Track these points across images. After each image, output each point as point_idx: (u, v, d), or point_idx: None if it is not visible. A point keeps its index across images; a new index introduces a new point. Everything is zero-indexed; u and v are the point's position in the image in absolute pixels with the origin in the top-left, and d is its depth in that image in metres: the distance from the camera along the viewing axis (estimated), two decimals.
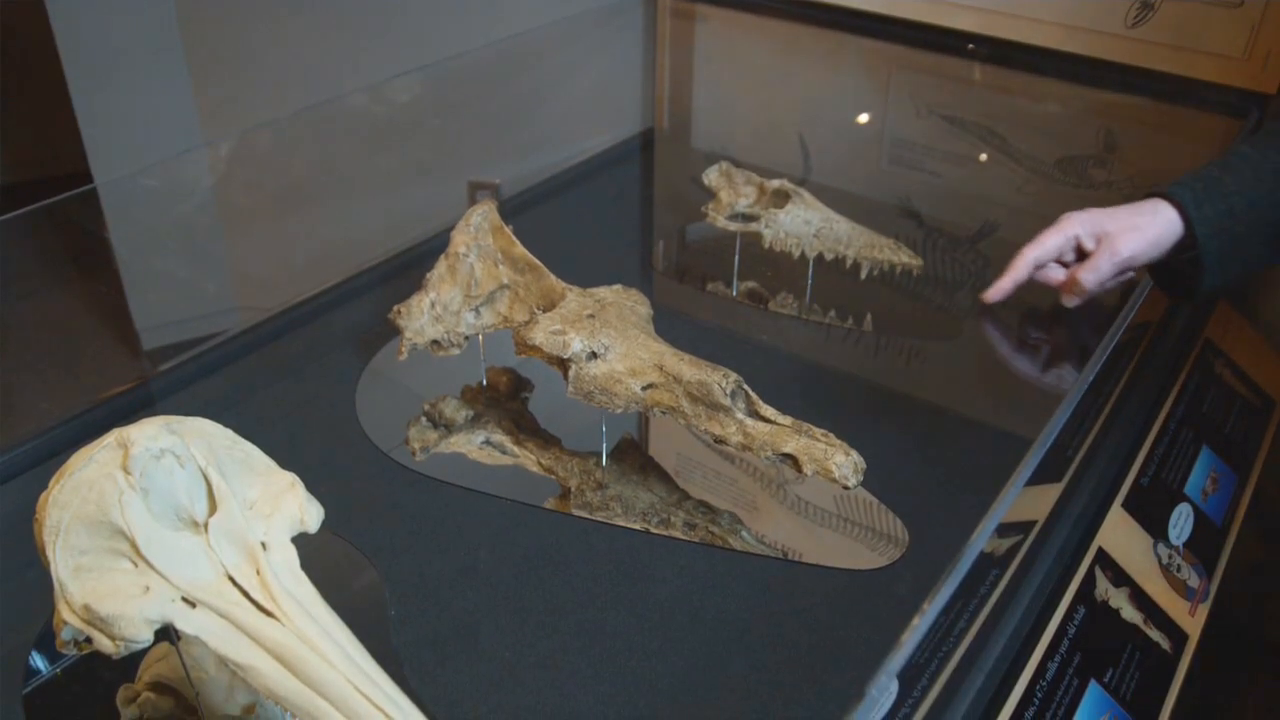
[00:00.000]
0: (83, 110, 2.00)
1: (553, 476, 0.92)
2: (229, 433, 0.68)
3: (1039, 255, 1.02)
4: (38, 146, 2.86)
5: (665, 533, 0.86)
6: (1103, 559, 0.87)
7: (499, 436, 0.97)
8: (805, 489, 0.92)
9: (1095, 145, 1.40)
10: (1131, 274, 1.01)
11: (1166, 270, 1.01)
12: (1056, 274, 1.03)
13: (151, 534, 0.61)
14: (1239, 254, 0.97)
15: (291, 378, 1.10)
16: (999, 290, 1.03)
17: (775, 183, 1.20)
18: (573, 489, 0.91)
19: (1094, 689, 0.78)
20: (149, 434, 0.63)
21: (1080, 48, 1.39)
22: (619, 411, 0.88)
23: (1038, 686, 0.75)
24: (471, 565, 0.84)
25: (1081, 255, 1.01)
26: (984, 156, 1.45)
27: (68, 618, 0.60)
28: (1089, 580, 0.84)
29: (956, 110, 1.53)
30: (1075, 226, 1.01)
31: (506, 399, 1.02)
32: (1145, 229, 0.97)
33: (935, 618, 0.61)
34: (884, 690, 0.58)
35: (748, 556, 0.85)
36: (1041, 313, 1.12)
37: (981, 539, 0.65)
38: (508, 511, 0.89)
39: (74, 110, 2.01)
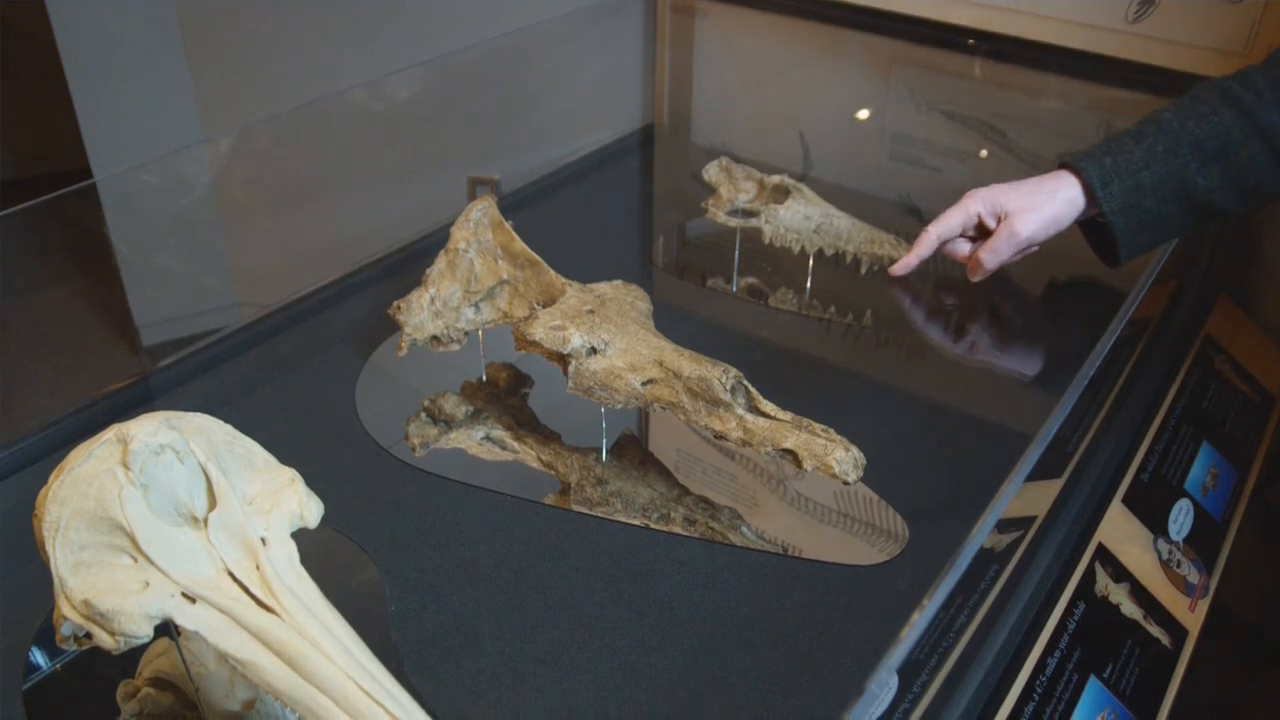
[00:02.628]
0: (82, 106, 2.01)
1: (552, 472, 0.92)
2: (229, 428, 0.68)
3: (942, 232, 1.05)
4: (37, 142, 2.87)
5: (665, 528, 0.86)
6: (1103, 554, 0.87)
7: (499, 432, 0.97)
8: (805, 485, 0.92)
9: (1096, 141, 1.40)
10: (1035, 248, 1.03)
11: (1096, 229, 1.02)
12: (961, 248, 1.06)
13: (151, 529, 0.61)
14: (1151, 227, 0.98)
15: (291, 374, 1.10)
16: (904, 265, 1.08)
17: (775, 178, 1.20)
18: (573, 485, 0.91)
19: (1094, 685, 0.78)
20: (149, 429, 0.63)
21: (1081, 43, 1.38)
22: (619, 407, 0.87)
23: (1038, 682, 0.75)
24: (471, 561, 0.84)
25: (985, 231, 1.04)
26: (984, 152, 1.45)
27: (67, 613, 0.60)
28: (1089, 576, 0.84)
29: (957, 105, 1.52)
30: (976, 204, 1.03)
31: (506, 395, 1.02)
32: (1043, 208, 0.99)
33: (935, 613, 0.61)
34: (884, 686, 0.58)
35: (748, 552, 0.85)
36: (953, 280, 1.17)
37: (981, 534, 0.65)
38: (508, 507, 0.89)
39: (73, 106, 2.01)
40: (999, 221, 1.02)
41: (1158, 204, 0.96)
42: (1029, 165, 1.38)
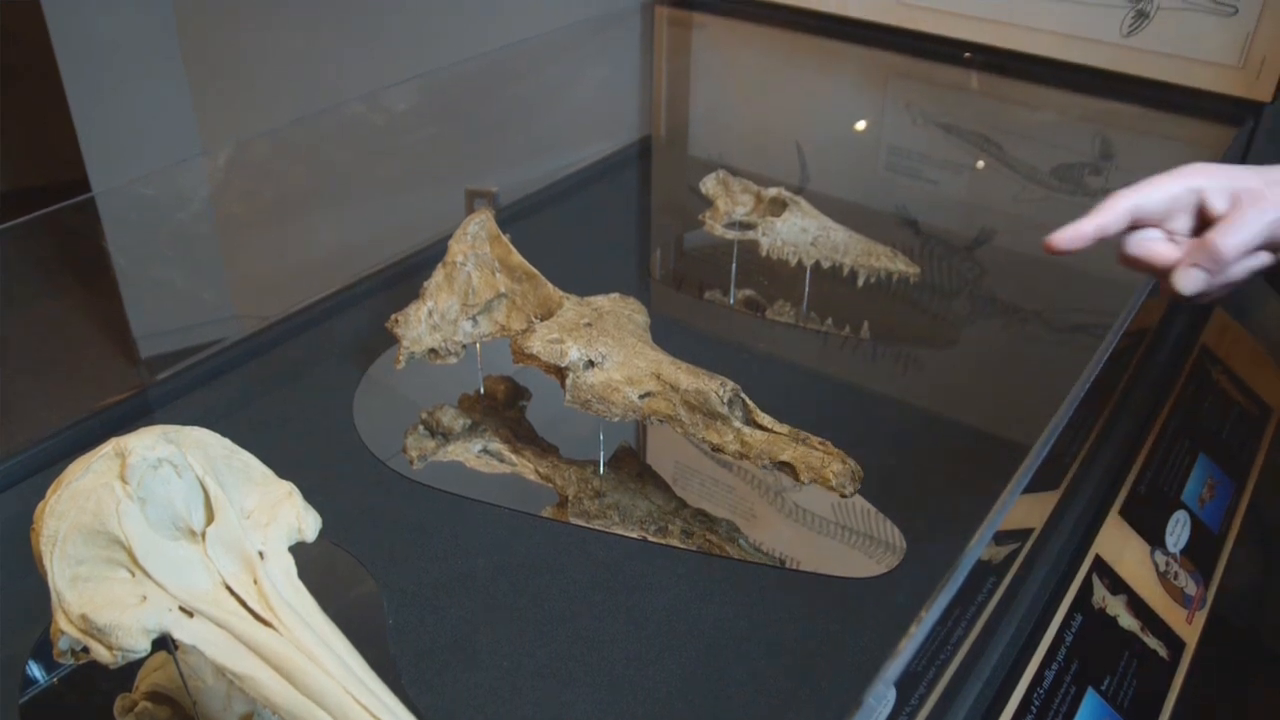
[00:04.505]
0: (81, 118, 2.01)
1: (550, 485, 0.92)
2: (226, 442, 0.68)
3: (1141, 203, 0.72)
4: (35, 154, 2.87)
5: (663, 541, 0.86)
6: (1100, 566, 0.87)
7: (496, 445, 0.97)
8: (803, 497, 0.92)
9: (1091, 153, 1.40)
10: (1268, 259, 0.72)
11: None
12: (1162, 248, 0.72)
13: (149, 543, 0.61)
14: None
15: (289, 386, 1.10)
16: (1075, 235, 0.73)
17: (772, 191, 1.20)
18: (570, 497, 0.91)
19: (1091, 697, 0.78)
20: (146, 443, 0.63)
21: (1076, 56, 1.39)
22: (616, 420, 0.88)
23: (1035, 694, 0.75)
24: (469, 574, 0.84)
25: (1202, 227, 0.72)
26: (980, 164, 1.46)
27: (65, 627, 0.60)
28: (1086, 588, 0.84)
29: (953, 118, 1.53)
30: (1200, 177, 0.72)
31: (504, 407, 1.02)
32: None
33: (932, 626, 0.61)
34: (881, 699, 0.58)
35: (745, 564, 0.85)
36: None
37: (979, 547, 0.65)
38: (505, 520, 0.89)
39: (72, 118, 2.01)
40: (1235, 203, 0.71)
41: None
42: (1025, 178, 1.39)
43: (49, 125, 2.36)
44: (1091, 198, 1.32)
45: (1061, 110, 1.47)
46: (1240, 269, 0.71)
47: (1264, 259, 0.71)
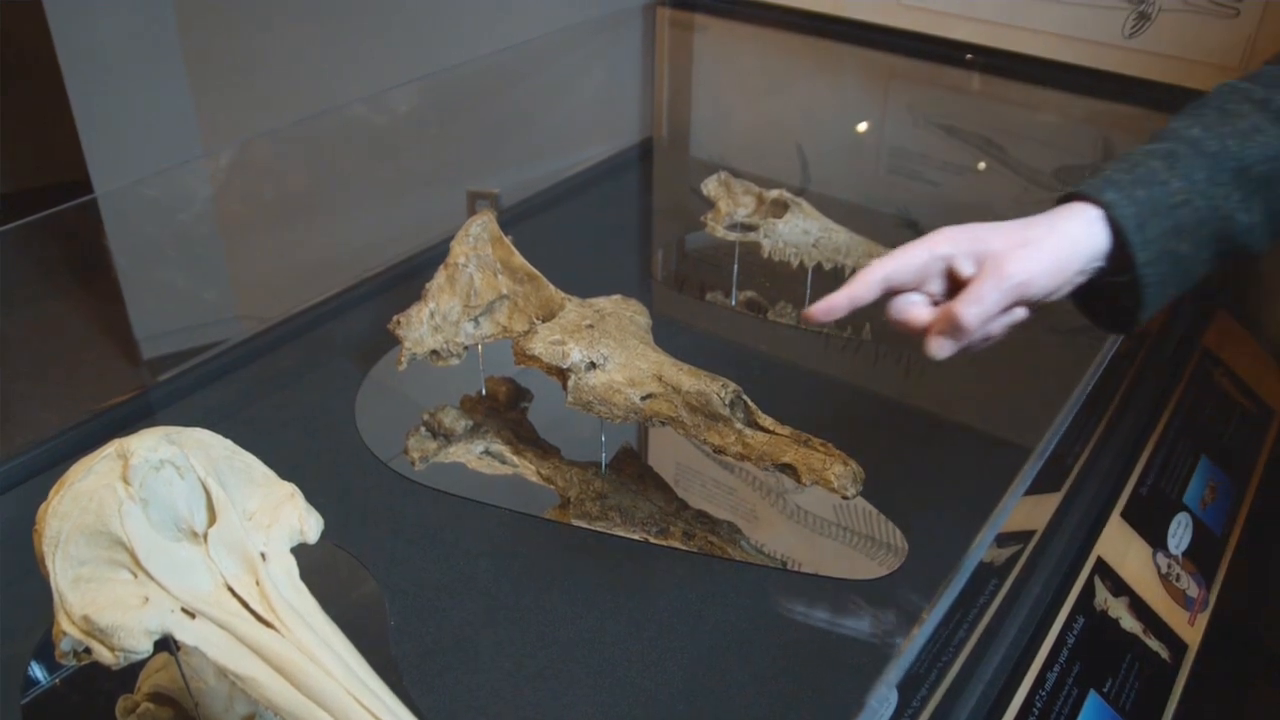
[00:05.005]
0: (83, 119, 2.01)
1: (552, 486, 0.92)
2: (228, 443, 0.68)
3: (891, 273, 0.73)
4: (37, 155, 2.87)
5: (664, 542, 0.86)
6: (1102, 568, 0.87)
7: (498, 446, 0.97)
8: (805, 498, 0.92)
9: (1093, 154, 1.40)
10: (1024, 314, 0.73)
11: (1090, 292, 0.76)
12: (918, 311, 0.73)
13: (151, 545, 0.61)
14: (1177, 278, 0.74)
15: (291, 388, 1.10)
16: (828, 307, 0.73)
17: (774, 192, 1.20)
18: (572, 499, 0.91)
19: (1093, 699, 0.78)
20: (149, 445, 0.63)
21: (1077, 58, 1.39)
22: (618, 421, 0.88)
23: (1037, 696, 0.75)
24: (471, 575, 0.84)
25: (954, 289, 0.73)
26: (982, 166, 1.46)
27: (67, 628, 0.60)
28: (1088, 590, 0.84)
29: (954, 120, 1.53)
30: (945, 244, 0.72)
31: (506, 409, 1.02)
32: (1043, 245, 0.71)
33: (935, 628, 0.61)
34: (884, 701, 0.59)
35: (747, 566, 0.85)
36: None
37: (980, 549, 0.65)
38: (507, 521, 0.90)
39: (74, 119, 2.01)
40: (980, 267, 0.72)
41: (1194, 248, 0.73)
42: (1027, 180, 1.39)
43: (51, 126, 2.36)
44: None
45: (1063, 112, 1.47)
46: (997, 326, 0.72)
47: (1020, 314, 0.73)
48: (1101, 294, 0.76)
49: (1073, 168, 1.36)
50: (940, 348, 0.72)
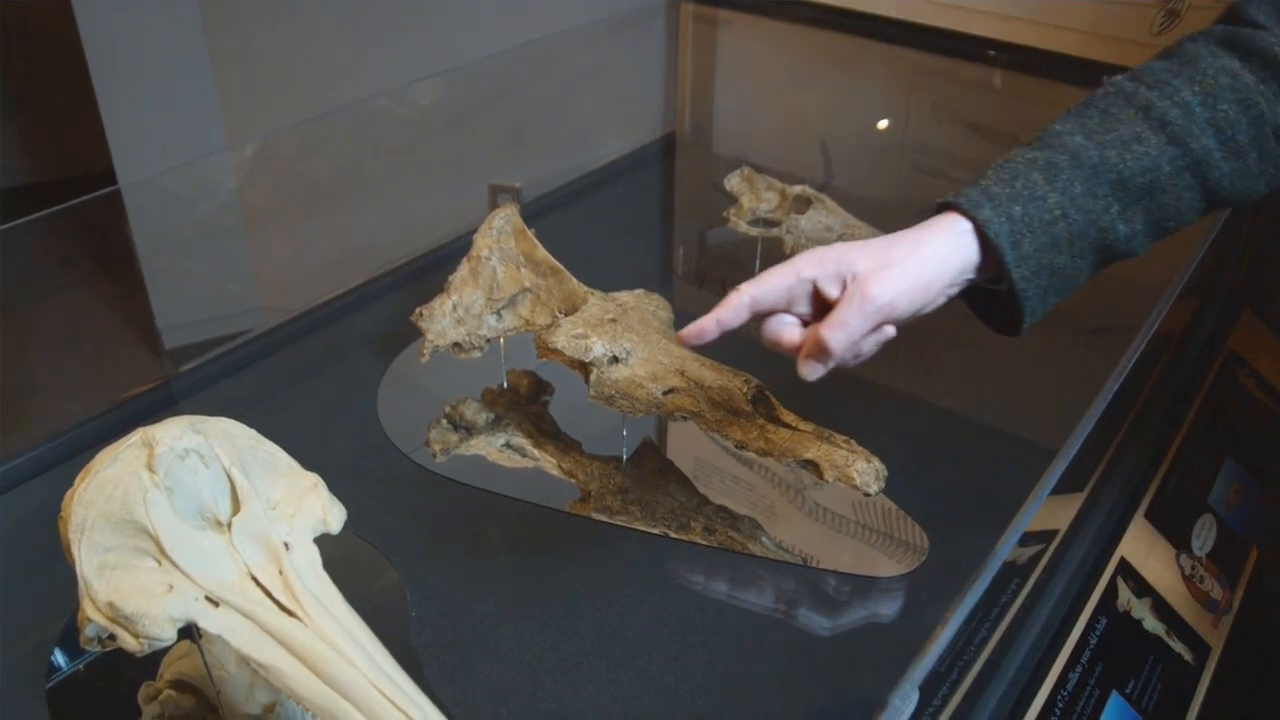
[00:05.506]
0: (108, 111, 2.02)
1: (573, 480, 0.92)
2: (252, 433, 0.68)
3: (757, 295, 0.73)
4: (63, 147, 2.89)
5: (684, 537, 0.86)
6: (1125, 569, 0.86)
7: (519, 439, 0.97)
8: (824, 495, 0.91)
9: None
10: (893, 332, 0.74)
11: (979, 294, 0.78)
12: (789, 332, 0.74)
13: (175, 533, 0.61)
14: (1058, 289, 0.74)
15: (313, 379, 1.10)
16: (697, 330, 0.75)
17: (797, 188, 1.20)
18: (593, 493, 0.91)
19: (1115, 700, 0.77)
20: (174, 433, 0.64)
21: (1104, 55, 1.38)
22: (640, 416, 0.88)
23: (1059, 696, 0.75)
24: (491, 568, 0.84)
25: (823, 309, 0.73)
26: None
27: (92, 615, 0.60)
28: (1111, 590, 0.84)
29: (979, 117, 1.52)
30: (809, 266, 0.73)
31: (527, 402, 1.02)
32: (906, 265, 0.71)
33: (958, 627, 0.60)
34: (906, 699, 0.58)
35: (767, 562, 0.84)
36: None
37: (1006, 548, 0.65)
38: (527, 514, 0.90)
39: (99, 111, 2.02)
40: (844, 289, 0.72)
41: (1071, 260, 0.73)
42: None
43: (76, 119, 2.37)
44: None
45: None
46: (867, 345, 0.73)
47: (890, 332, 0.74)
48: (989, 297, 0.77)
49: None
50: (810, 370, 0.73)
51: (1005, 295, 0.74)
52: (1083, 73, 1.41)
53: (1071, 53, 1.41)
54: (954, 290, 0.74)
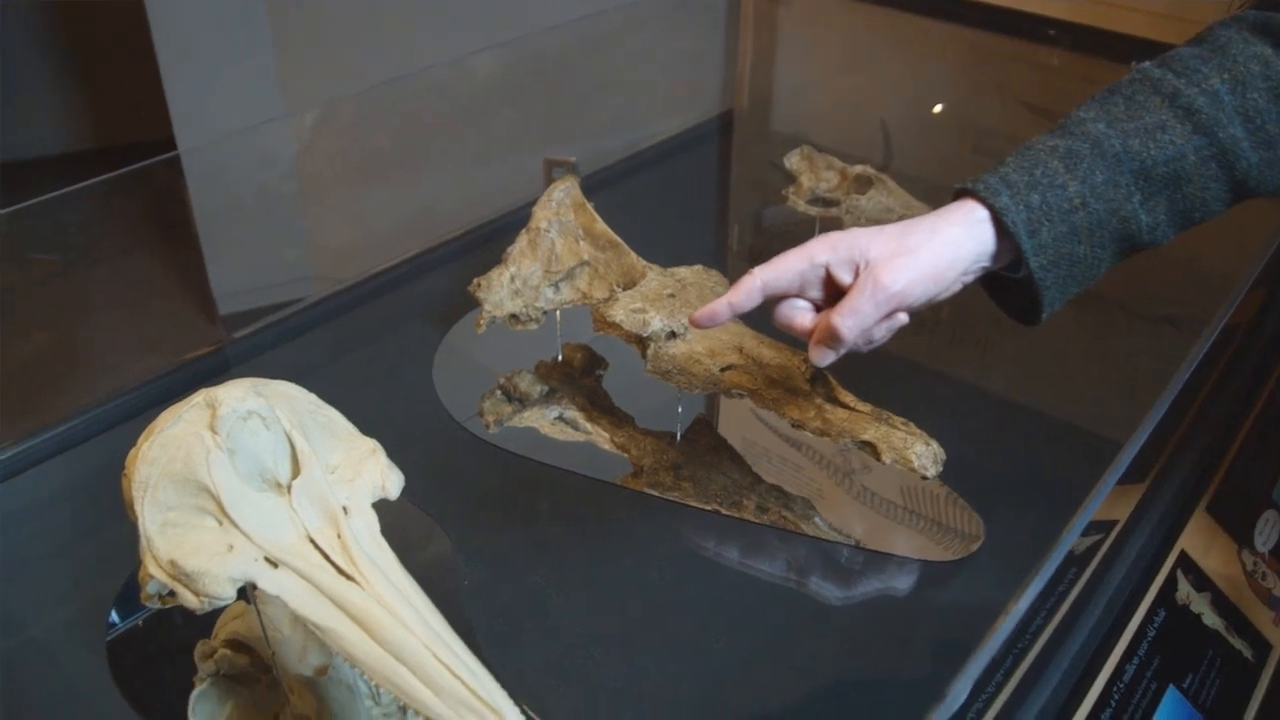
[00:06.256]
0: (169, 78, 2.04)
1: (625, 455, 0.92)
2: (313, 397, 0.68)
3: (770, 279, 0.74)
4: (123, 113, 2.92)
5: (737, 515, 0.86)
6: (1185, 562, 0.85)
7: (572, 413, 0.97)
8: (874, 480, 0.90)
9: None
10: (905, 319, 0.73)
11: (998, 281, 0.77)
12: (802, 317, 0.74)
13: (237, 493, 0.62)
14: (1077, 278, 0.73)
15: (368, 347, 1.11)
16: (709, 314, 0.76)
17: (858, 168, 1.18)
18: (645, 468, 0.90)
19: (1172, 694, 0.76)
20: (236, 395, 0.64)
21: (1178, 37, 1.35)
22: (696, 392, 0.87)
23: (1115, 688, 0.74)
24: (543, 539, 0.84)
25: (836, 295, 0.74)
26: None
27: (154, 572, 0.61)
28: (1170, 583, 0.82)
29: (1043, 100, 1.49)
30: (823, 251, 0.73)
31: (580, 376, 1.02)
32: (920, 252, 0.71)
33: (1020, 618, 0.60)
34: (964, 691, 0.58)
35: (821, 543, 0.84)
36: None
37: (1070, 538, 0.64)
38: (579, 487, 0.89)
39: (160, 78, 2.04)
40: (857, 275, 0.72)
41: (1091, 250, 0.72)
42: None
43: (137, 85, 2.40)
44: None
45: None
46: (879, 332, 0.73)
47: (902, 319, 0.73)
48: (1009, 285, 0.76)
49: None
50: (822, 356, 0.73)
51: (1024, 284, 0.73)
52: (1153, 55, 1.38)
53: (1141, 35, 1.38)
54: (969, 278, 0.73)
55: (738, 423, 0.97)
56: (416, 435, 0.95)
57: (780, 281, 0.73)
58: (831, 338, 0.71)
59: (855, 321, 0.70)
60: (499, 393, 0.99)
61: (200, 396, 0.64)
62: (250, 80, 2.04)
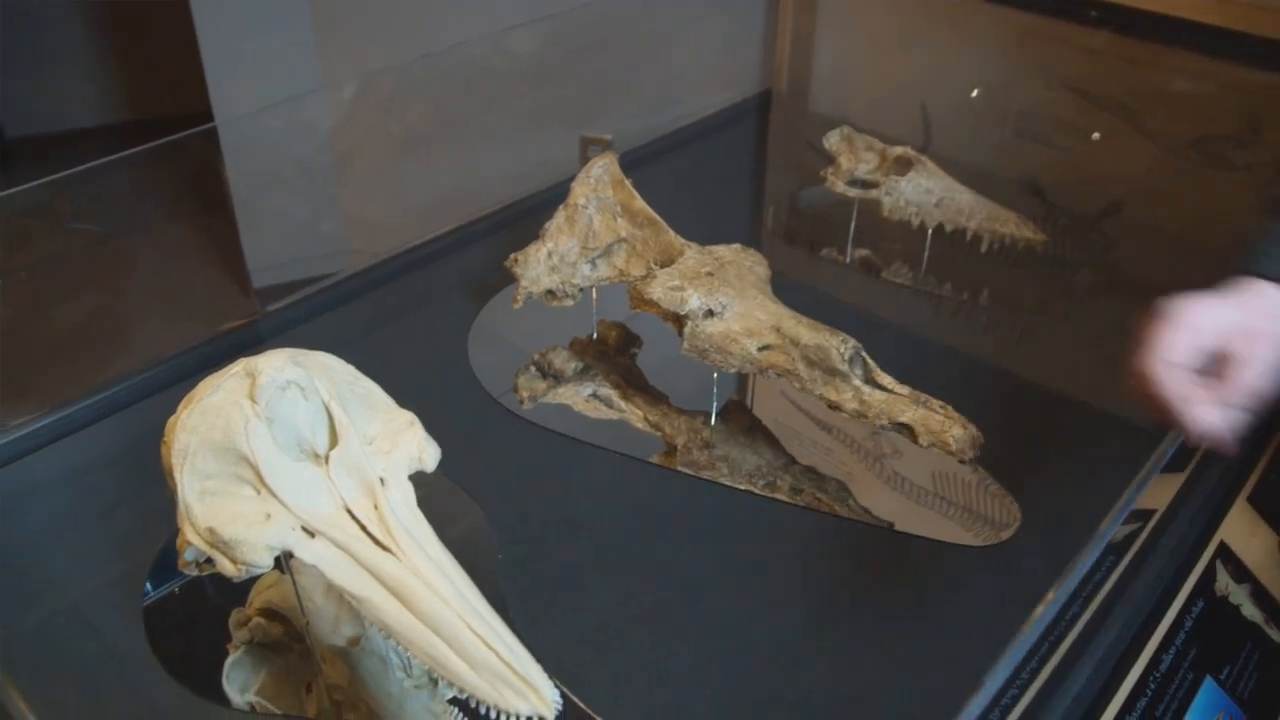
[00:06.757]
0: (207, 50, 2.04)
1: (659, 433, 0.92)
2: (351, 368, 0.68)
3: (1181, 363, 0.66)
4: (161, 85, 2.94)
5: (771, 495, 0.85)
6: (1224, 553, 0.84)
7: (606, 390, 0.96)
8: (905, 465, 0.89)
9: (1238, 126, 1.33)
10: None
11: None
12: (1201, 402, 0.65)
13: (275, 462, 0.62)
14: None
15: (403, 321, 1.11)
16: (1218, 437, 0.65)
17: (898, 150, 1.17)
18: (679, 446, 0.90)
19: (1209, 684, 0.75)
20: (276, 365, 0.64)
21: (1227, 20, 1.32)
22: (733, 371, 0.87)
23: (1151, 677, 0.73)
24: (576, 515, 0.84)
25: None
26: (1114, 133, 1.40)
27: (192, 539, 0.61)
28: (1209, 574, 0.81)
29: (1089, 83, 1.47)
30: (1210, 320, 0.66)
31: (615, 353, 1.02)
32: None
33: (1059, 608, 0.59)
34: (1000, 680, 0.57)
35: (854, 525, 0.83)
36: None
37: (1112, 527, 0.63)
38: (613, 464, 0.89)
39: (199, 50, 2.05)
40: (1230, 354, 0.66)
41: None
42: (1162, 149, 1.33)
43: (175, 57, 2.41)
44: (1234, 173, 1.26)
45: (1207, 78, 1.40)
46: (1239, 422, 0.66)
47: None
48: None
49: (1214, 139, 1.30)
50: (1231, 424, 0.65)
51: None
52: (1202, 38, 1.35)
53: (1190, 17, 1.35)
54: None
55: (771, 403, 0.96)
56: (450, 409, 0.95)
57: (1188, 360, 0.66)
58: (1253, 399, 0.65)
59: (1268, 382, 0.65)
60: (533, 369, 0.99)
61: (240, 366, 0.65)
62: (288, 52, 2.05)
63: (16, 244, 1.25)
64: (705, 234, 0.98)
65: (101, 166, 1.21)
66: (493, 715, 0.56)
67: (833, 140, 1.21)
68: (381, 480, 0.63)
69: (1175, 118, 1.41)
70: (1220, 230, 1.03)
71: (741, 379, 0.98)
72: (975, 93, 1.55)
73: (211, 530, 0.61)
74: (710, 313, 0.87)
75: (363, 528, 0.61)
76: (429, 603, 0.58)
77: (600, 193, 0.97)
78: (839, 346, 0.81)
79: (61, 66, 2.99)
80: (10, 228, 1.21)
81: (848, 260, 1.18)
